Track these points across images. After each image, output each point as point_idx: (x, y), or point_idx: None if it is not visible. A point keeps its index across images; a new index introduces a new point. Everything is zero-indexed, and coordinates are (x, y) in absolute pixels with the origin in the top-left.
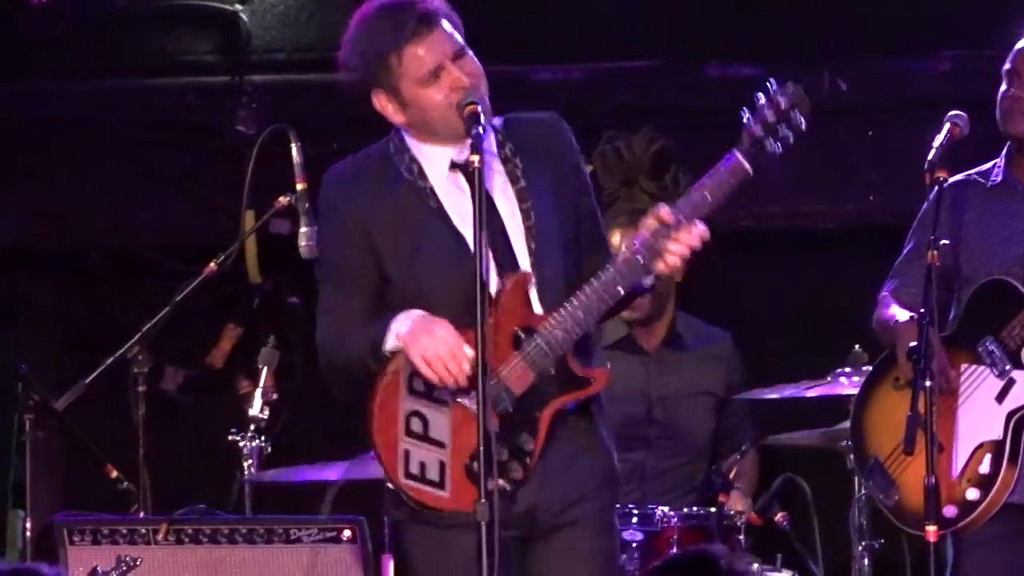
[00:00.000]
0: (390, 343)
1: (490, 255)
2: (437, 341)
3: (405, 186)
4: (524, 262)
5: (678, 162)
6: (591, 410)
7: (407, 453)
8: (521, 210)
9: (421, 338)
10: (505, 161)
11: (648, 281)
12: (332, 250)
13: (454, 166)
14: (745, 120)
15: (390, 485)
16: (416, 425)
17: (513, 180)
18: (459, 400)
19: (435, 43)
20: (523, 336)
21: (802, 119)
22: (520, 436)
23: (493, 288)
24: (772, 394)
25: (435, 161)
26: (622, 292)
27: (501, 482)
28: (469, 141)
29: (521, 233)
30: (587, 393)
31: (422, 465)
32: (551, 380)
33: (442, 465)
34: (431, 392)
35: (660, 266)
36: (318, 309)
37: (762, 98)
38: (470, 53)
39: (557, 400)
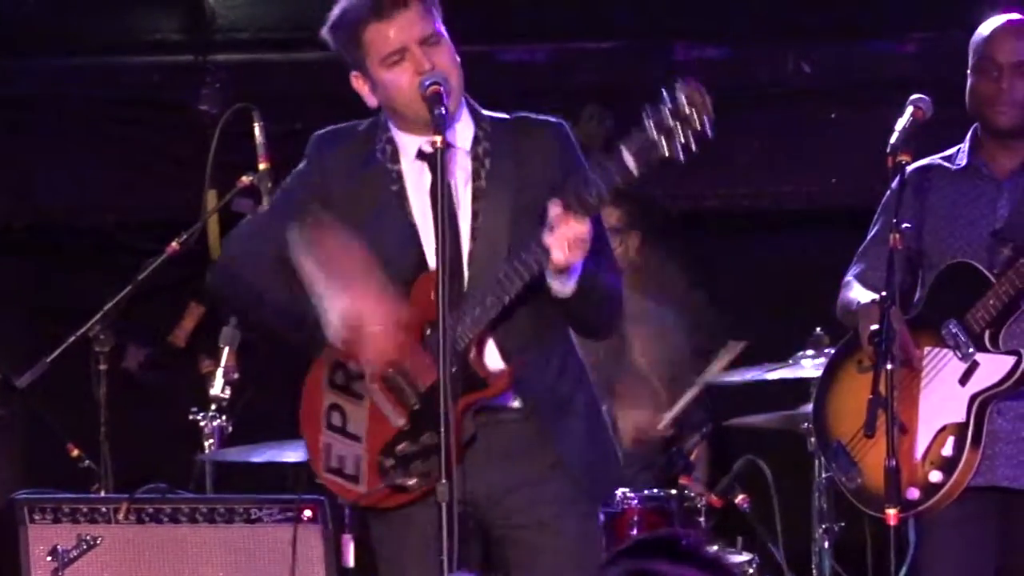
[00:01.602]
0: (331, 329)
1: (432, 244)
2: (373, 330)
3: (376, 166)
4: (465, 261)
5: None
6: (535, 408)
7: (328, 447)
8: (472, 209)
9: (356, 333)
10: (474, 158)
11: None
12: (287, 190)
13: (421, 155)
14: (644, 118)
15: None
16: (336, 419)
17: (475, 178)
18: (373, 394)
19: (403, 24)
20: (429, 331)
21: (701, 122)
22: (426, 433)
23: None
24: (733, 377)
25: (407, 148)
26: (518, 286)
27: (409, 480)
28: (432, 126)
29: (468, 230)
30: (485, 395)
31: (341, 459)
32: (454, 378)
33: (358, 459)
34: (349, 386)
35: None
36: (235, 230)
37: (664, 97)
38: (446, 42)
39: (462, 399)
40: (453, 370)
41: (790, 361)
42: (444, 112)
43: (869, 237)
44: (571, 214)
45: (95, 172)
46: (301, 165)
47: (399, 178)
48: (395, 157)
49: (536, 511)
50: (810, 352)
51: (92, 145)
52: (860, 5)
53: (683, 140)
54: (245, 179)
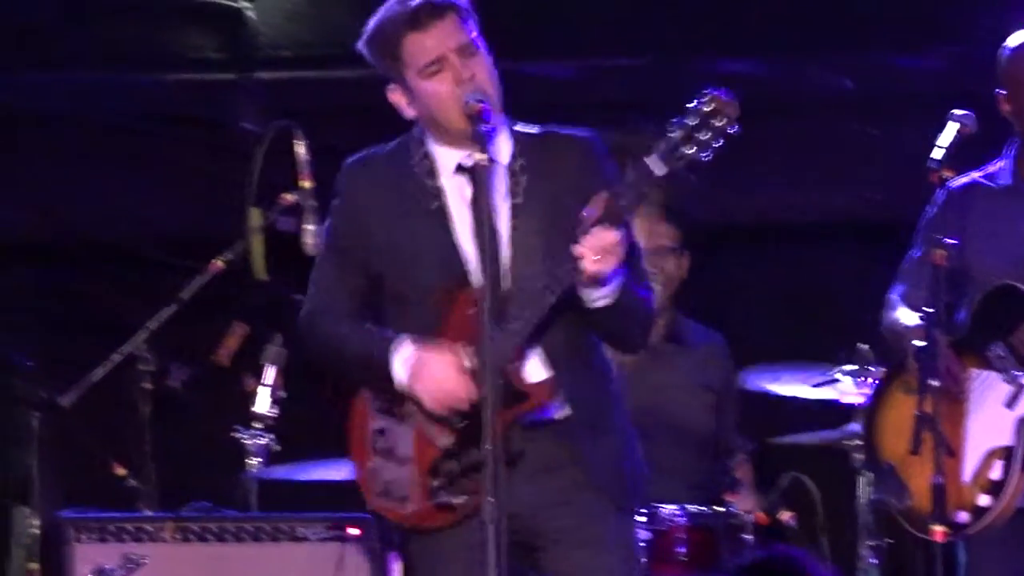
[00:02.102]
0: (397, 379)
1: (479, 263)
2: (440, 385)
3: (413, 181)
4: (505, 277)
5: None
6: (573, 423)
7: (375, 472)
8: (511, 226)
9: (421, 383)
10: (512, 174)
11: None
12: (331, 235)
13: (460, 169)
14: (669, 125)
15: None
16: (382, 443)
17: (512, 195)
18: (418, 416)
19: (440, 34)
20: (471, 349)
21: (728, 125)
22: (470, 452)
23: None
24: (777, 391)
25: (444, 162)
26: (552, 299)
27: (456, 499)
28: (475, 143)
29: (508, 247)
30: (526, 408)
31: (388, 483)
32: (496, 395)
33: (405, 481)
34: (393, 409)
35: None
36: (310, 281)
37: (691, 104)
38: (483, 53)
39: (503, 414)
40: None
41: (831, 374)
42: (488, 130)
43: (910, 255)
44: (601, 222)
45: (135, 190)
46: (335, 200)
47: (439, 194)
48: (433, 172)
49: (574, 527)
50: (851, 367)
51: (132, 163)
52: (896, 18)
53: (707, 142)
54: (287, 197)
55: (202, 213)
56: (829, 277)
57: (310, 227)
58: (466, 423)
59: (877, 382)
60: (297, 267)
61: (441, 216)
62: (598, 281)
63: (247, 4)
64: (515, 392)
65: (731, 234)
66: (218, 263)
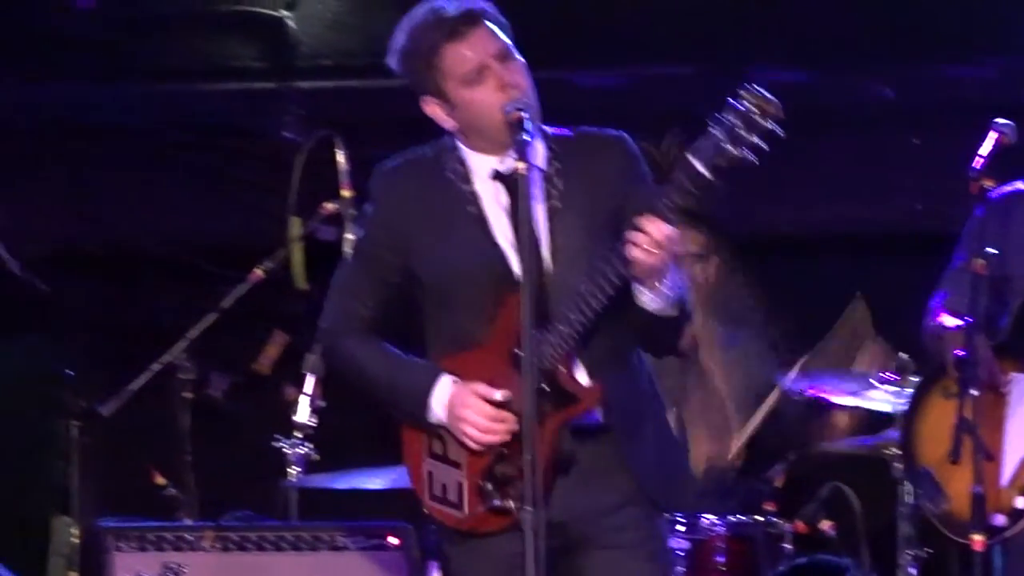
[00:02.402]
0: (436, 418)
1: (520, 267)
2: (474, 421)
3: (448, 187)
4: (548, 281)
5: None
6: (614, 428)
7: (430, 475)
8: (548, 229)
9: (460, 424)
10: (548, 178)
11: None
12: (364, 239)
13: (496, 175)
14: (711, 125)
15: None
16: (437, 446)
17: (547, 198)
18: None
19: (478, 41)
20: (520, 353)
21: (771, 124)
22: (523, 455)
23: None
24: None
25: (478, 168)
26: (601, 301)
27: (510, 503)
28: (514, 150)
29: (548, 251)
30: (577, 411)
31: (443, 486)
32: (546, 397)
33: (459, 485)
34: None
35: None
36: (332, 283)
37: (731, 103)
38: (517, 57)
39: (554, 417)
40: (545, 388)
41: (871, 379)
42: (528, 140)
43: (952, 264)
44: (654, 216)
45: (176, 199)
46: (368, 206)
47: (475, 199)
48: (467, 177)
49: (611, 534)
50: (889, 374)
51: (173, 172)
52: (940, 29)
53: (750, 141)
54: (328, 206)
55: (243, 222)
56: (872, 286)
57: (350, 236)
58: (518, 427)
59: (915, 388)
60: None
61: (480, 220)
62: (653, 281)
63: (288, 13)
64: (566, 395)
65: (779, 246)
66: (258, 272)
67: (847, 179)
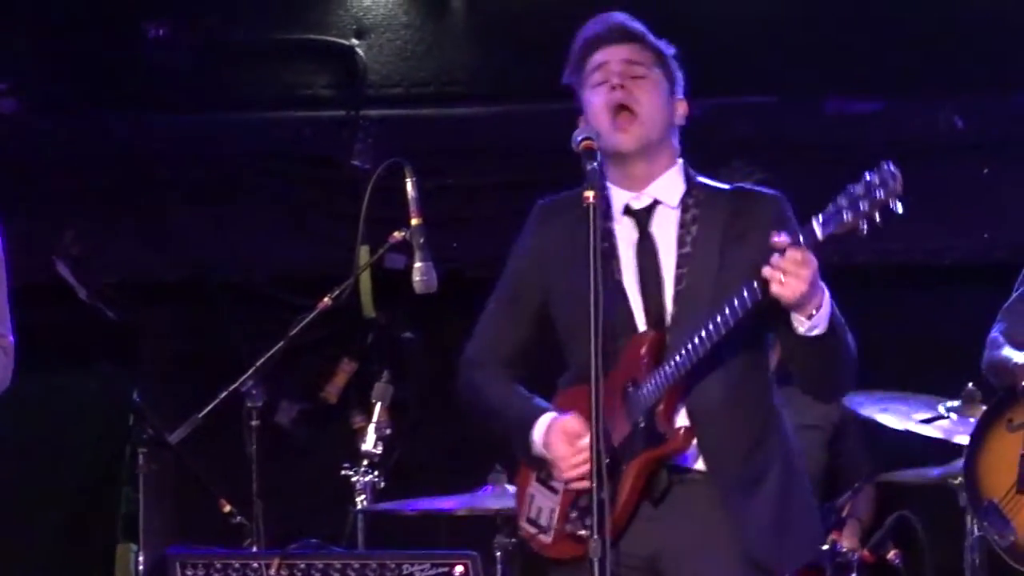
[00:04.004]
0: (536, 451)
1: (642, 306)
2: (561, 455)
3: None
4: (668, 321)
5: None
6: (720, 476)
7: (532, 498)
8: (676, 274)
9: (552, 458)
10: (681, 225)
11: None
12: (509, 274)
13: (627, 211)
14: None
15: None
16: (544, 472)
17: (680, 244)
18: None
19: (614, 49)
20: (630, 388)
21: (886, 197)
22: (608, 487)
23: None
24: (880, 408)
25: (616, 203)
26: (710, 344)
27: (583, 532)
28: (647, 188)
29: (671, 294)
30: (664, 451)
31: (539, 510)
32: (640, 433)
33: (552, 512)
34: None
35: (772, 288)
36: (482, 314)
37: (866, 175)
38: (657, 84)
39: (643, 454)
40: (641, 425)
41: (938, 408)
42: (596, 168)
43: (1014, 295)
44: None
45: (248, 227)
46: (517, 243)
47: (609, 236)
48: (607, 214)
49: (702, 574)
50: (956, 403)
51: (245, 200)
52: (1012, 58)
53: (867, 213)
54: (397, 234)
55: (313, 250)
56: (943, 317)
57: (419, 264)
58: (610, 458)
59: (979, 419)
60: (406, 305)
61: (609, 258)
62: (797, 304)
63: (359, 42)
64: (657, 434)
65: (853, 276)
66: (327, 300)
67: (918, 209)
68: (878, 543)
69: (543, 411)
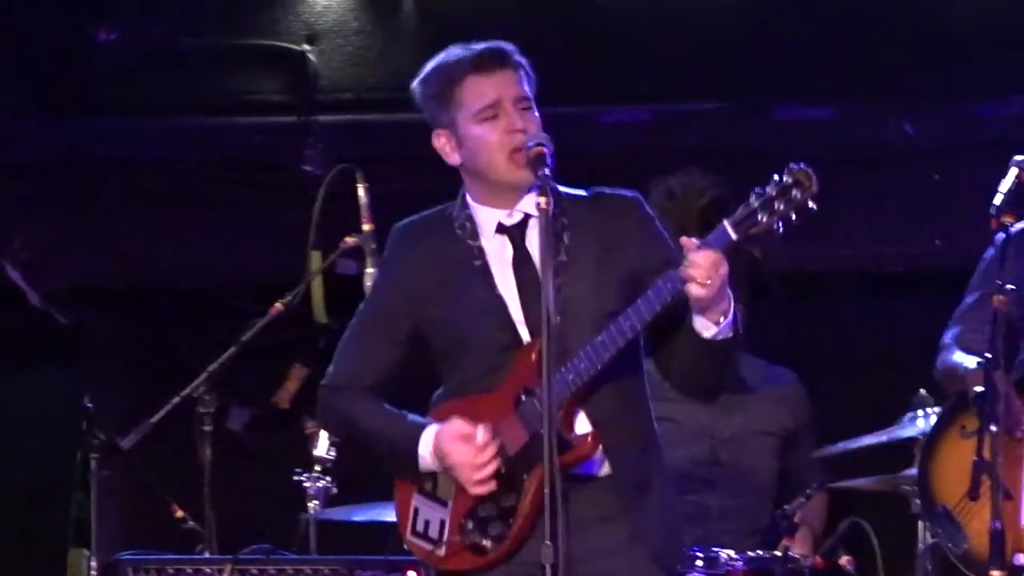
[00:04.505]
0: (424, 466)
1: (523, 319)
2: (462, 462)
3: (457, 244)
4: (555, 331)
5: (728, 214)
6: (618, 481)
7: (416, 511)
8: (555, 283)
9: (452, 470)
10: (555, 233)
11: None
12: (375, 299)
13: (501, 229)
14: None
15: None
16: (428, 484)
17: (555, 253)
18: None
19: (501, 81)
20: (523, 397)
21: (802, 197)
22: (507, 496)
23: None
24: (840, 444)
25: (485, 223)
26: (634, 329)
27: (487, 542)
28: (518, 204)
29: (551, 303)
30: (571, 458)
31: (426, 523)
32: (541, 442)
33: (442, 523)
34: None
35: (691, 289)
36: (341, 341)
37: (775, 177)
38: (536, 112)
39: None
40: (540, 432)
41: (895, 426)
42: (547, 174)
43: (966, 300)
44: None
45: (197, 233)
46: (380, 270)
47: (480, 254)
48: (475, 234)
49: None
50: (916, 413)
51: (195, 206)
52: (962, 66)
53: (782, 211)
54: (349, 240)
55: (263, 256)
56: (893, 323)
57: (371, 270)
58: (507, 469)
59: (932, 425)
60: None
61: (485, 274)
62: (713, 305)
63: (309, 48)
64: (561, 442)
65: (802, 283)
66: (279, 305)
67: (869, 216)
68: (830, 549)
69: (424, 424)
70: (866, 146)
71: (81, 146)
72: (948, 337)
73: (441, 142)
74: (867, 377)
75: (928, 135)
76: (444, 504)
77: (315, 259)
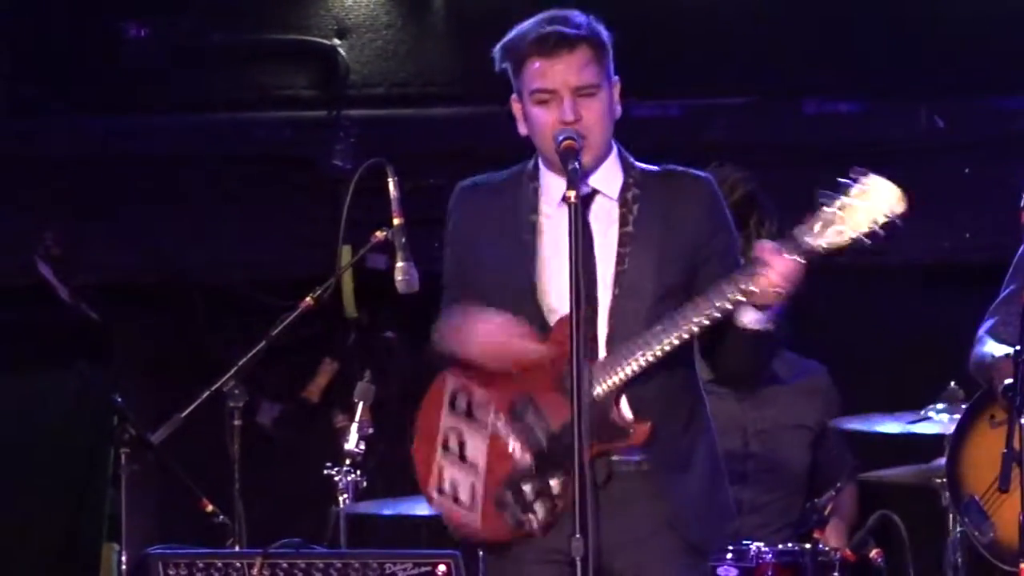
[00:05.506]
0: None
1: (558, 288)
2: (482, 331)
3: (514, 212)
4: (604, 304)
5: (760, 208)
6: (656, 465)
7: (441, 469)
8: (617, 254)
9: (468, 336)
10: (622, 204)
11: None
12: (449, 262)
13: (565, 200)
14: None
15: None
16: (453, 442)
17: (622, 223)
18: (497, 425)
19: (563, 68)
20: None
21: (897, 221)
22: (551, 476)
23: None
24: (865, 426)
25: (551, 191)
26: (694, 328)
27: (532, 522)
28: (587, 180)
29: (611, 275)
30: (623, 445)
31: (454, 484)
32: (590, 424)
33: (473, 488)
34: (471, 412)
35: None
36: (442, 311)
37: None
38: (604, 95)
39: (597, 446)
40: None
41: (921, 413)
42: (577, 168)
43: (1002, 294)
44: (782, 251)
45: (227, 228)
46: (446, 226)
47: (534, 228)
48: (536, 207)
49: (642, 567)
50: (941, 405)
51: (224, 201)
52: (993, 60)
53: (872, 233)
54: (379, 234)
55: (294, 251)
56: (923, 316)
57: (401, 264)
58: (549, 446)
59: (961, 416)
60: (388, 304)
61: (531, 249)
62: (769, 304)
63: (339, 42)
64: (615, 428)
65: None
66: (309, 301)
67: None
68: (860, 542)
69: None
70: (896, 140)
71: (111, 142)
72: (982, 330)
73: (516, 108)
74: (897, 370)
75: (959, 129)
76: (474, 467)
77: (345, 254)
